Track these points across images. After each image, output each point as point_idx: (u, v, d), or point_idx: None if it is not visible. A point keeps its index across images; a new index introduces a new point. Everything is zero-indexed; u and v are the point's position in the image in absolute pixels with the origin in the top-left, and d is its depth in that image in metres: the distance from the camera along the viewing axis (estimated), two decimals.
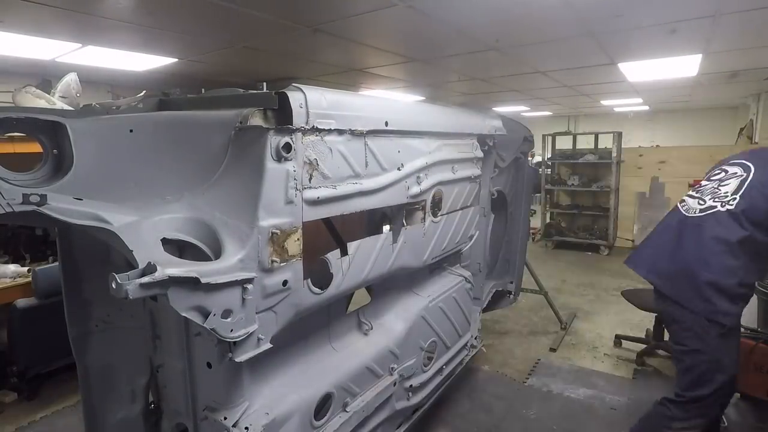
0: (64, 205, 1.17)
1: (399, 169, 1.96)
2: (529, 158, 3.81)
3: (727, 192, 1.97)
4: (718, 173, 2.12)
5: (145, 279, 1.05)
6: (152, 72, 4.83)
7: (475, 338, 3.17)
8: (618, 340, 3.92)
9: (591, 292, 5.24)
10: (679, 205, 2.15)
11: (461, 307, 2.81)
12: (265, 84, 2.01)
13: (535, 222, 7.66)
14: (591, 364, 3.58)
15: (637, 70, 4.96)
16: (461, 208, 2.62)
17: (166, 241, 1.25)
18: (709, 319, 1.90)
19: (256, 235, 1.33)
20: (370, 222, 2.61)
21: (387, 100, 2.10)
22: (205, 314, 1.21)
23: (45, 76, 4.56)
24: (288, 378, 1.71)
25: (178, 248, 1.33)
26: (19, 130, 1.32)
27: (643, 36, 3.64)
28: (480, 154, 2.67)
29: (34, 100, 2.80)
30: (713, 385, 1.88)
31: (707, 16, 3.10)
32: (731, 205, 1.92)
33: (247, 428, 1.46)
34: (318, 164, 1.54)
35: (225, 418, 1.47)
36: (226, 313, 1.26)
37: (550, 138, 7.65)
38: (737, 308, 1.95)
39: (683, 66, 4.78)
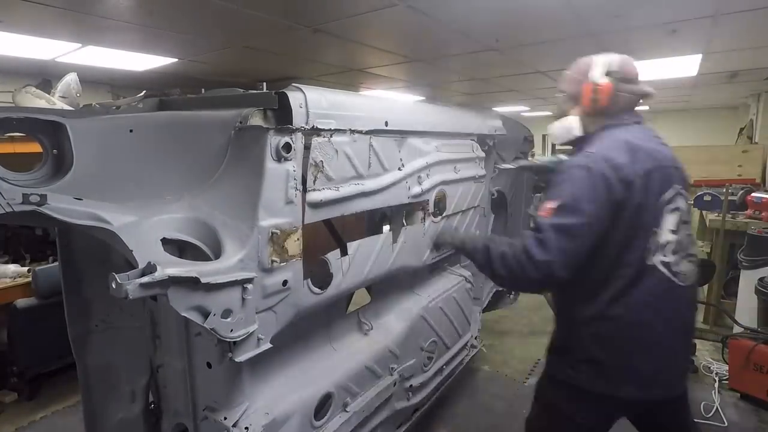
0: (64, 205, 1.17)
1: (400, 169, 1.96)
2: (529, 158, 3.80)
3: None
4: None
5: (145, 279, 1.05)
6: (152, 72, 4.83)
7: (475, 338, 3.17)
8: None
9: None
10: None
11: (461, 307, 2.81)
12: (265, 84, 2.00)
13: None
14: None
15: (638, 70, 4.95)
16: (467, 209, 2.61)
17: (166, 241, 1.25)
18: None
19: (256, 234, 1.33)
20: (370, 222, 2.61)
21: (387, 100, 2.10)
22: (205, 314, 1.21)
23: (45, 76, 4.56)
24: (288, 378, 1.71)
25: (178, 248, 1.33)
26: (19, 130, 1.32)
27: (643, 36, 3.63)
28: (481, 153, 2.67)
29: (34, 100, 2.81)
30: None
31: (707, 16, 3.10)
32: None
33: (247, 428, 1.46)
34: (323, 166, 1.54)
35: (225, 418, 1.47)
36: (226, 313, 1.26)
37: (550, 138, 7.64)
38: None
39: (683, 66, 4.77)
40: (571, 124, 1.58)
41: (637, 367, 1.40)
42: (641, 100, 1.57)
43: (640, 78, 1.57)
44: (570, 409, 1.50)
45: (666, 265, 1.38)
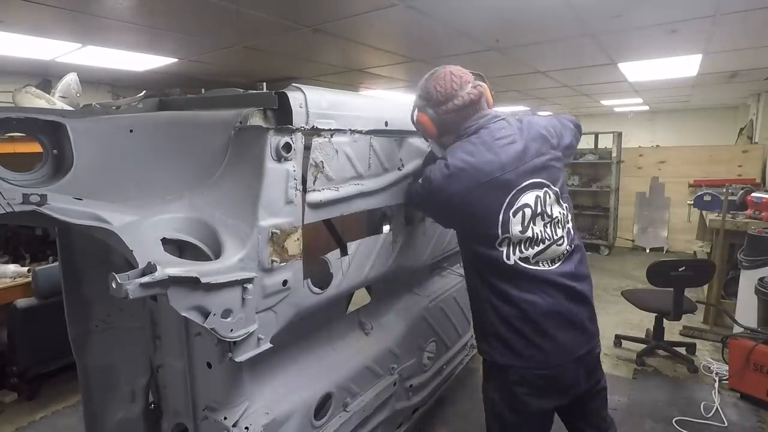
0: (64, 205, 1.17)
1: (399, 169, 1.96)
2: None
3: None
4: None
5: (145, 279, 1.05)
6: (152, 72, 4.82)
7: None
8: (618, 340, 3.92)
9: None
10: None
11: (461, 307, 2.81)
12: (265, 84, 2.00)
13: None
14: None
15: (637, 70, 4.96)
16: None
17: (166, 241, 1.25)
18: None
19: (256, 234, 1.33)
20: (370, 222, 2.61)
21: (387, 100, 2.10)
22: (205, 314, 1.21)
23: (45, 76, 4.56)
24: (288, 378, 1.71)
25: (178, 248, 1.33)
26: (19, 130, 1.32)
27: (643, 36, 3.63)
28: None
29: (34, 100, 2.80)
30: None
31: (707, 16, 3.09)
32: None
33: (247, 428, 1.46)
34: (324, 166, 1.54)
35: (225, 418, 1.47)
36: (226, 313, 1.26)
37: None
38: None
39: (683, 66, 4.77)
40: (435, 149, 1.75)
41: (537, 343, 1.51)
42: (477, 102, 1.60)
43: (466, 84, 1.60)
44: (498, 398, 1.62)
45: (524, 260, 1.52)
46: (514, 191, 1.51)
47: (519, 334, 1.51)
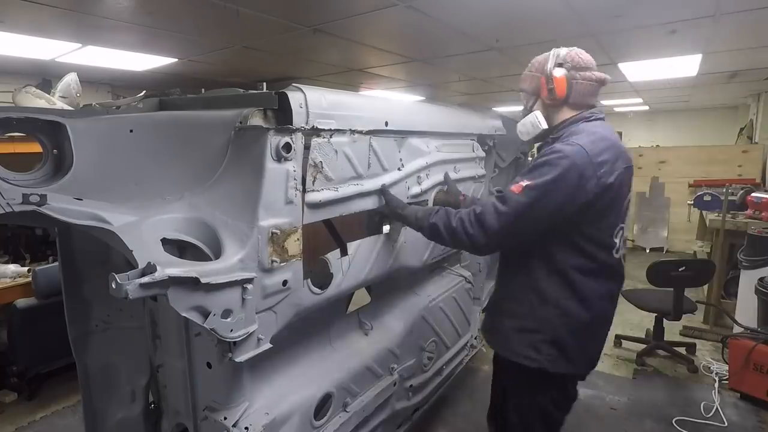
0: (64, 205, 1.17)
1: (399, 169, 1.96)
2: (529, 158, 3.79)
3: None
4: None
5: (145, 279, 1.05)
6: (152, 72, 4.83)
7: (475, 338, 3.17)
8: (618, 340, 3.92)
9: None
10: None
11: (461, 307, 2.81)
12: (265, 84, 2.00)
13: None
14: None
15: (637, 70, 4.96)
16: None
17: (166, 241, 1.25)
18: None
19: (256, 234, 1.33)
20: (370, 222, 2.60)
21: (387, 100, 2.10)
22: (205, 314, 1.21)
23: (45, 76, 4.56)
24: (288, 378, 1.71)
25: (178, 248, 1.33)
26: (19, 130, 1.32)
27: (643, 36, 3.64)
28: (481, 153, 2.67)
29: (34, 100, 2.80)
30: None
31: (707, 16, 3.10)
32: None
33: (247, 428, 1.46)
34: (323, 167, 1.54)
35: (225, 418, 1.47)
36: (226, 313, 1.25)
37: None
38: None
39: (683, 66, 4.77)
40: (536, 119, 1.65)
41: (590, 349, 1.61)
42: (601, 87, 1.65)
43: (596, 67, 1.67)
44: (551, 405, 1.63)
45: (623, 257, 1.59)
46: (630, 185, 1.61)
47: (579, 340, 1.54)
